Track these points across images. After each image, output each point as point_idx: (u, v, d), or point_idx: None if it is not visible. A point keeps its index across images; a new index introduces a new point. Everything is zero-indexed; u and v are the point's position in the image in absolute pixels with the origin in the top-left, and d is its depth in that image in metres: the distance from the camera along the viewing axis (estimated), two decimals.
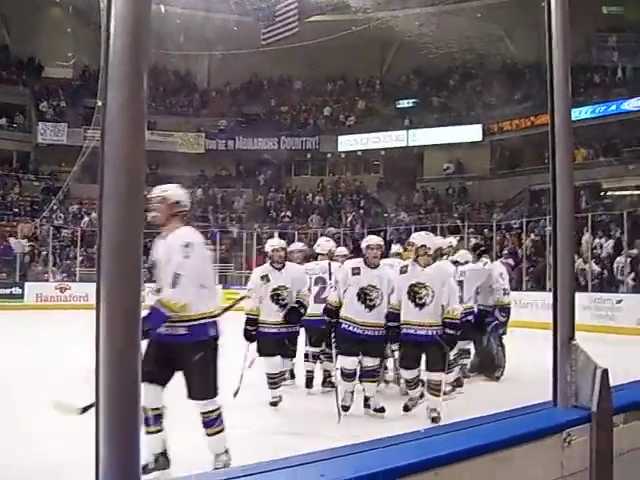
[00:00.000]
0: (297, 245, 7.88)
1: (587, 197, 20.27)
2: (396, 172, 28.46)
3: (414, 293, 5.70)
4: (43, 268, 22.31)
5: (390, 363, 7.08)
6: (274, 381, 6.23)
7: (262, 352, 6.25)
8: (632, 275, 16.20)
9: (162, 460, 3.92)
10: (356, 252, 7.64)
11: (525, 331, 11.19)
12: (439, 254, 6.42)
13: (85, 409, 3.29)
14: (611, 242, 17.53)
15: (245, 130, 29.66)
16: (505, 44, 25.18)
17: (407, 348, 5.86)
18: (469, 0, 24.39)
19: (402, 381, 6.47)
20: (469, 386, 7.26)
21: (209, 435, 3.96)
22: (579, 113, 21.41)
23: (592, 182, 20.83)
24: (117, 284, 1.24)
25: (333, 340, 6.11)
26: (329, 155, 29.69)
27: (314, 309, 6.75)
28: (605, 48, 23.49)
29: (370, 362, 5.95)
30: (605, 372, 2.09)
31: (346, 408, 5.89)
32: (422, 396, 5.93)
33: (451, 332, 5.64)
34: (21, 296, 20.20)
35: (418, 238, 5.93)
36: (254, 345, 6.29)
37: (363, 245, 6.14)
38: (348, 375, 5.99)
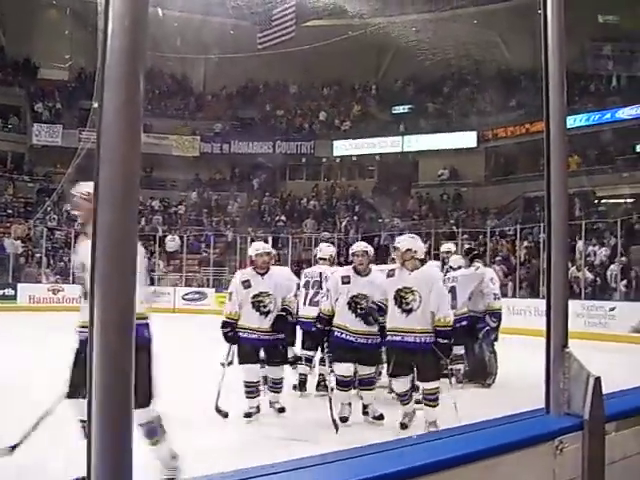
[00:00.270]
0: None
1: (581, 204, 20.33)
2: (391, 178, 28.45)
3: (400, 298, 5.46)
4: (36, 270, 22.22)
5: (384, 369, 7.07)
6: (250, 390, 5.97)
7: (240, 359, 6.00)
8: (624, 282, 16.27)
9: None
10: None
11: (518, 338, 11.20)
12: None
13: (14, 447, 3.21)
14: (604, 250, 17.59)
15: (240, 134, 29.66)
16: (501, 50, 25.34)
17: (396, 356, 5.58)
18: (466, 6, 24.49)
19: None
20: (460, 392, 7.25)
21: (153, 445, 3.78)
22: (574, 121, 21.56)
23: (586, 190, 20.91)
24: (112, 286, 1.24)
25: (326, 347, 6.07)
26: (324, 160, 29.71)
27: (309, 311, 6.73)
28: (600, 57, 23.63)
29: (366, 370, 5.91)
30: (598, 380, 2.08)
31: (344, 419, 5.82)
32: (418, 402, 5.73)
33: (444, 342, 5.39)
34: (14, 297, 20.12)
35: (403, 242, 5.69)
36: (234, 348, 6.04)
37: (350, 252, 6.10)
38: (344, 384, 5.86)
